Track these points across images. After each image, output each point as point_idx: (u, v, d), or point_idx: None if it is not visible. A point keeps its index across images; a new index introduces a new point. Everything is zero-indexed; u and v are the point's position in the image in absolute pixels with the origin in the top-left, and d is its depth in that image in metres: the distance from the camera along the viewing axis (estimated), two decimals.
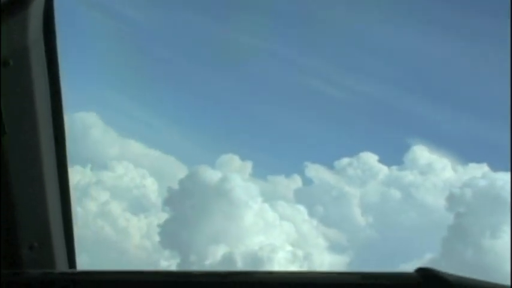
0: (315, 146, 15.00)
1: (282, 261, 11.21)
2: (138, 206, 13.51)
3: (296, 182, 13.81)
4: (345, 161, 13.53)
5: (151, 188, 13.83)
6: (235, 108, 15.41)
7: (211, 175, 12.78)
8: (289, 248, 11.90)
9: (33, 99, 1.72)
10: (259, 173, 13.64)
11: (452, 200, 11.83)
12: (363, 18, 13.06)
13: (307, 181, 13.67)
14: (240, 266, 11.37)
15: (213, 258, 11.57)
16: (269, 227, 12.45)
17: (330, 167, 13.63)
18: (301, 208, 13.26)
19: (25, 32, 1.66)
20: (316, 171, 13.80)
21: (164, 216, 12.91)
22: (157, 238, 12.59)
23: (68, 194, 1.97)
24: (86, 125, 14.15)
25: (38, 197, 1.84)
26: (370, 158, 13.42)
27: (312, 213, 13.19)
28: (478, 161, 12.25)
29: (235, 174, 12.77)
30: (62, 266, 1.98)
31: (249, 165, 13.50)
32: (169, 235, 12.41)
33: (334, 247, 12.70)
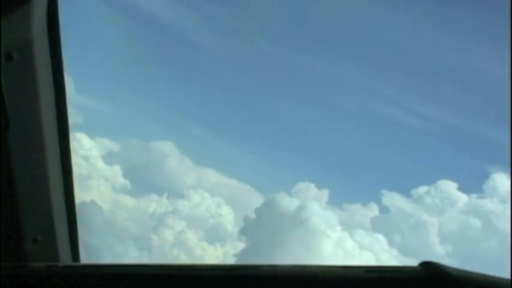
0: (392, 174, 14.82)
1: None
2: (214, 235, 13.42)
3: (373, 210, 13.62)
4: (423, 189, 13.36)
5: (228, 217, 13.72)
6: (309, 136, 15.21)
7: (288, 203, 12.62)
8: None
9: (37, 93, 1.71)
10: (336, 201, 13.41)
11: None
12: (439, 43, 12.86)
13: (384, 209, 13.48)
14: None
15: None
16: (348, 257, 12.23)
17: (407, 195, 13.47)
18: (380, 237, 13.00)
19: (28, 24, 1.64)
20: (393, 199, 13.65)
21: (240, 245, 12.85)
22: None
23: (72, 186, 1.97)
24: (162, 154, 14.13)
25: (41, 190, 1.84)
26: (449, 186, 13.25)
27: (390, 242, 13.00)
28: None
29: (313, 202, 12.61)
30: (65, 259, 1.99)
31: (325, 194, 13.28)
32: None
33: None
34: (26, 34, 1.65)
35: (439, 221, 13.33)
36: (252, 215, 12.83)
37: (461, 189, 13.18)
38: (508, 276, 1.63)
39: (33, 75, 1.70)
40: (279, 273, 1.69)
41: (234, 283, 1.69)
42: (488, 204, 13.00)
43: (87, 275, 1.78)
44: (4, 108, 1.63)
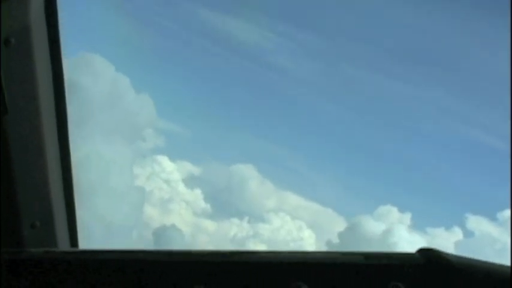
0: (476, 197, 14.34)
1: None
2: None
3: (457, 234, 13.28)
4: (509, 212, 12.68)
5: (309, 241, 13.51)
6: (388, 158, 14.99)
7: (372, 227, 12.39)
8: None
9: (35, 78, 1.70)
10: (418, 224, 13.13)
11: None
12: None
13: (468, 233, 13.15)
14: None
15: None
16: None
17: (493, 218, 13.14)
18: None
19: (27, 10, 1.63)
20: (477, 223, 13.26)
21: None
22: None
23: (70, 172, 1.97)
24: (243, 177, 14.02)
25: (40, 176, 1.83)
26: None
27: None
28: None
29: (399, 226, 12.37)
30: (64, 244, 1.99)
31: (407, 217, 13.02)
32: None
33: None
34: (24, 19, 1.64)
35: None
36: (335, 239, 12.56)
37: None
38: (508, 263, 1.62)
39: (31, 61, 1.69)
40: (278, 259, 1.69)
41: (233, 269, 1.69)
42: None
43: (85, 261, 1.78)
44: (2, 93, 1.62)
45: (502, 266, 1.61)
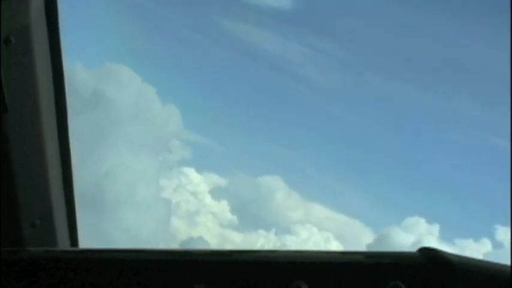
0: (505, 208, 14.33)
1: None
2: None
3: (486, 245, 12.95)
4: None
5: None
6: (416, 169, 14.90)
7: (402, 239, 12.01)
8: None
9: (35, 77, 1.70)
10: (446, 236, 13.11)
11: None
12: None
13: (497, 245, 12.57)
14: None
15: None
16: None
17: None
18: None
19: (27, 8, 1.64)
20: (507, 234, 13.10)
21: None
22: None
23: (70, 171, 1.97)
24: (270, 189, 13.90)
25: (40, 175, 1.83)
26: None
27: None
28: None
29: (429, 237, 12.26)
30: (64, 243, 1.99)
31: (435, 228, 12.94)
32: None
33: None
34: (24, 18, 1.64)
35: None
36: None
37: None
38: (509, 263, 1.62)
39: (31, 60, 1.69)
40: (278, 259, 1.69)
41: (233, 268, 1.69)
42: None
43: (85, 260, 1.78)
44: (2, 92, 1.62)
45: (502, 266, 1.61)
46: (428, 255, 1.63)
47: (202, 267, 1.70)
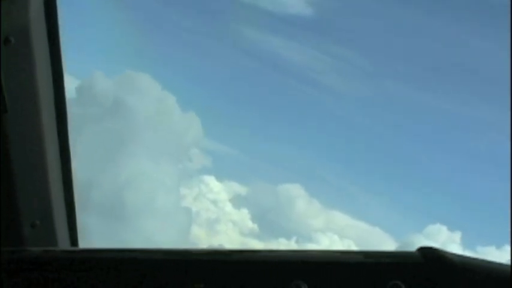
0: None
1: None
2: None
3: (508, 252, 13.20)
4: None
5: None
6: (437, 177, 14.87)
7: None
8: None
9: (34, 77, 1.70)
10: (469, 243, 13.10)
11: None
12: None
13: None
14: None
15: None
16: None
17: None
18: None
19: (26, 8, 1.64)
20: None
21: None
22: None
23: (70, 171, 1.97)
24: (290, 197, 13.93)
25: (40, 175, 1.83)
26: None
27: None
28: None
29: (452, 246, 12.22)
30: (64, 243, 1.99)
31: (457, 236, 13.06)
32: None
33: None
34: (23, 18, 1.64)
35: None
36: None
37: None
38: (509, 263, 1.62)
39: (31, 60, 1.69)
40: (278, 258, 1.69)
41: (232, 268, 1.69)
42: None
43: (85, 260, 1.78)
44: (2, 92, 1.63)
45: (502, 265, 1.61)
46: (427, 254, 1.63)
47: (202, 267, 1.70)
